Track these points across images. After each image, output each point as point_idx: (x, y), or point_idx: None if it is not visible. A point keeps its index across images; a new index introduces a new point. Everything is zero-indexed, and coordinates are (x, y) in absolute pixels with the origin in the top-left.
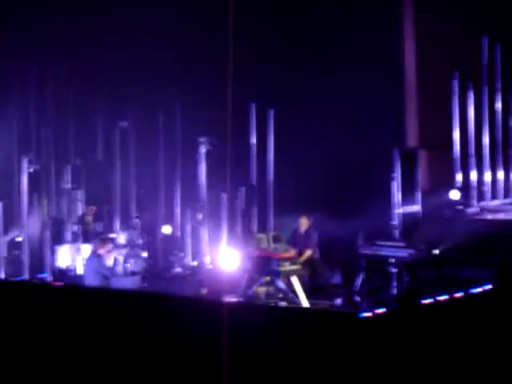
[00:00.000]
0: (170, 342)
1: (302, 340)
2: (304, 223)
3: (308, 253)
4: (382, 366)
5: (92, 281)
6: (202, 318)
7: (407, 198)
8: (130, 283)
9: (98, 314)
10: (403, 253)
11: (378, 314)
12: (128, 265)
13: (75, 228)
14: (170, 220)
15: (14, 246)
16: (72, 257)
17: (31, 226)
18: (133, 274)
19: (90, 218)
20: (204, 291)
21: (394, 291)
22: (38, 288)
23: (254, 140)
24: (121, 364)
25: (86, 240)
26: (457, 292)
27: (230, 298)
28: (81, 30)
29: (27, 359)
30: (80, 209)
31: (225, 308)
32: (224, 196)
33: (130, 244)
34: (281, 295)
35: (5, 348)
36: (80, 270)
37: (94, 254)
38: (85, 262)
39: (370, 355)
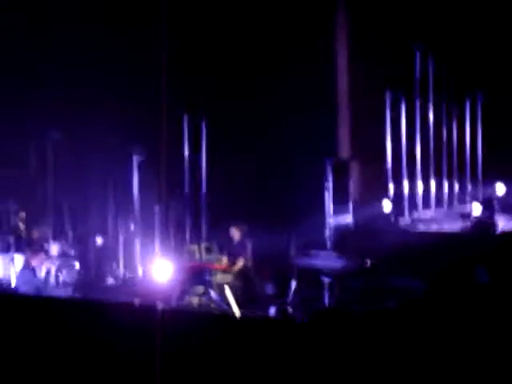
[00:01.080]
0: (104, 346)
1: (232, 345)
2: (236, 234)
3: (240, 263)
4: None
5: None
6: (136, 323)
7: (339, 208)
8: (63, 294)
9: (32, 321)
10: (336, 263)
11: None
12: (60, 276)
13: (8, 238)
14: (102, 231)
15: None
16: (5, 267)
17: None
18: (65, 284)
19: (22, 226)
20: (137, 302)
21: (326, 301)
22: None
23: (186, 151)
24: (55, 370)
25: (19, 249)
26: (389, 302)
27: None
28: (8, 40)
29: None
30: (12, 219)
31: (158, 313)
32: (157, 207)
33: (62, 255)
34: (214, 305)
35: None
36: (13, 281)
37: (27, 266)
38: (17, 273)
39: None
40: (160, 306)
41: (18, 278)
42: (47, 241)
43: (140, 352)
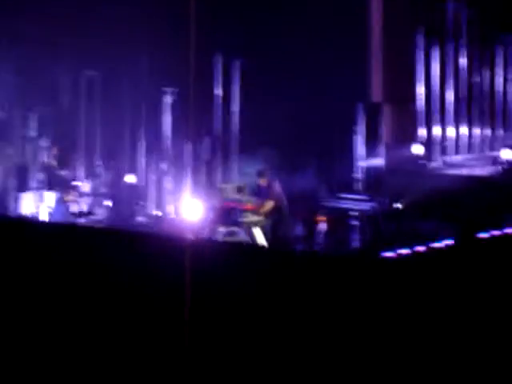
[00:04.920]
0: (133, 275)
1: (262, 277)
2: (261, 181)
3: (269, 203)
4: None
5: None
6: (166, 254)
7: (371, 151)
8: None
9: (64, 249)
10: (366, 205)
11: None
12: (92, 213)
13: (39, 175)
14: (134, 169)
15: None
16: (36, 204)
17: None
18: (97, 222)
19: (54, 163)
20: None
21: (356, 244)
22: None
23: (218, 91)
24: (85, 301)
25: (51, 187)
26: (419, 246)
27: None
28: None
29: None
30: (44, 156)
31: (188, 243)
32: (188, 146)
33: (94, 192)
34: None
35: None
36: (44, 217)
37: (60, 201)
38: (50, 209)
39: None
40: (190, 238)
41: (51, 213)
42: (80, 178)
43: (169, 282)
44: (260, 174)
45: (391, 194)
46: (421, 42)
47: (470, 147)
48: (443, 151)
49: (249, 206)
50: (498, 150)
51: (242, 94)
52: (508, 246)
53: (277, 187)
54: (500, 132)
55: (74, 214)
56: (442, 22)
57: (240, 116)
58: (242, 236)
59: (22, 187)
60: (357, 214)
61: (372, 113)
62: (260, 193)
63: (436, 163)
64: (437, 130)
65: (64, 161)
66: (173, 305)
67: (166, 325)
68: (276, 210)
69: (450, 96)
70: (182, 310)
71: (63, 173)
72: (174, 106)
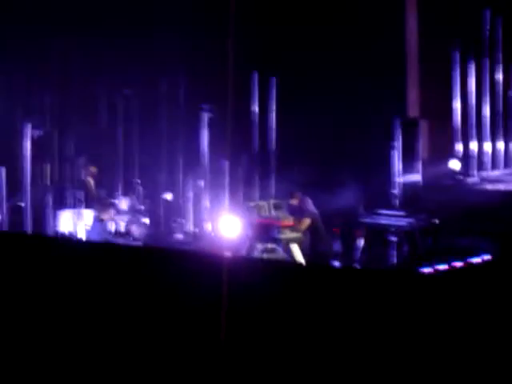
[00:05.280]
0: (171, 293)
1: (299, 293)
2: (293, 201)
3: (307, 221)
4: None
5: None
6: (204, 271)
7: (408, 167)
8: None
9: (101, 267)
10: (403, 222)
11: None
12: (130, 231)
13: (77, 193)
14: (171, 186)
15: (16, 211)
16: (74, 222)
17: (34, 191)
18: (134, 239)
19: (91, 182)
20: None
21: (394, 260)
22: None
23: (255, 108)
24: (122, 317)
25: (88, 205)
26: (456, 261)
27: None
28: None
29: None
30: (82, 175)
31: (226, 261)
32: (226, 163)
33: (132, 210)
34: None
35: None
36: (82, 235)
37: (97, 220)
38: (87, 227)
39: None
40: (228, 255)
41: (89, 231)
42: (117, 196)
43: (207, 299)
44: (290, 195)
45: (428, 210)
46: (457, 56)
47: (507, 162)
48: (480, 166)
49: (286, 222)
50: None
51: (279, 110)
52: None
53: (309, 205)
54: None
55: (111, 233)
56: (478, 36)
57: (277, 133)
58: (280, 253)
59: (60, 205)
60: (394, 229)
61: (409, 128)
62: (292, 211)
63: (473, 178)
64: (473, 145)
65: (101, 179)
66: (210, 323)
67: (203, 343)
68: (312, 226)
69: (486, 111)
70: (220, 328)
71: (101, 191)
72: (211, 123)
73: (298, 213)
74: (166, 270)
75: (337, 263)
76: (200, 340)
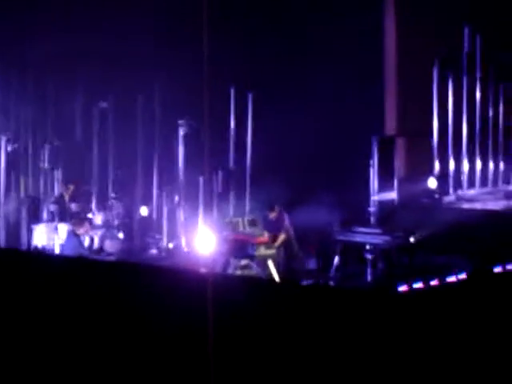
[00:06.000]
0: (145, 310)
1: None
2: (271, 215)
3: (282, 236)
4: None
5: None
6: (186, 288)
7: (384, 185)
8: None
9: (75, 282)
10: (379, 239)
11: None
12: (104, 245)
13: (52, 207)
14: (146, 202)
15: None
16: (48, 236)
17: (8, 204)
18: (108, 254)
19: (67, 197)
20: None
21: (370, 278)
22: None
23: (232, 123)
24: (99, 335)
25: (63, 219)
26: (432, 280)
27: None
28: (61, 10)
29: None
30: (57, 188)
31: (207, 278)
32: (201, 179)
33: (106, 225)
34: None
35: None
36: (57, 249)
37: (72, 234)
38: (62, 241)
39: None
40: (203, 271)
41: (63, 245)
42: (92, 210)
43: (180, 316)
44: (270, 208)
45: (405, 228)
46: (435, 74)
47: (484, 181)
48: (457, 185)
49: (261, 239)
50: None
51: (256, 126)
52: None
53: (285, 218)
54: None
55: (85, 248)
56: (458, 53)
57: (253, 148)
58: (254, 269)
59: (35, 219)
60: (370, 247)
61: (386, 146)
62: (268, 225)
63: (450, 197)
64: (451, 164)
65: (76, 193)
66: (183, 340)
67: (176, 361)
68: (286, 241)
69: (463, 129)
70: (194, 345)
71: (75, 205)
72: (187, 138)
73: (274, 227)
74: (139, 285)
75: (310, 281)
76: (181, 356)
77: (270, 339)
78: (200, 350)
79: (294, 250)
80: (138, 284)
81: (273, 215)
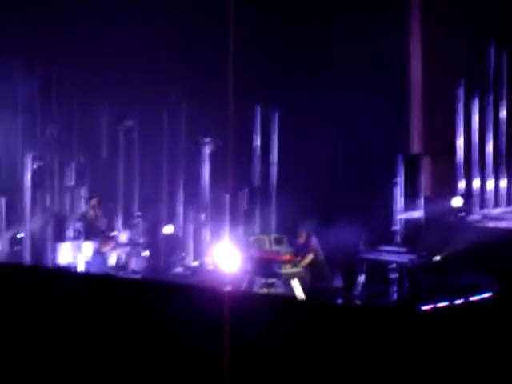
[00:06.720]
0: (171, 328)
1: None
2: (300, 238)
3: (309, 257)
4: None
5: None
6: (203, 306)
7: (410, 203)
8: None
9: (101, 300)
10: (404, 258)
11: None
12: (129, 263)
13: (77, 225)
14: (172, 220)
15: (15, 241)
16: (73, 254)
17: (34, 222)
18: (134, 272)
19: (92, 214)
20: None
21: (395, 296)
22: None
23: (257, 141)
24: (122, 351)
25: (88, 237)
26: (457, 299)
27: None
28: (87, 29)
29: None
30: (83, 206)
31: (227, 296)
32: (227, 197)
33: (132, 243)
34: None
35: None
36: (81, 268)
37: (98, 252)
38: (88, 259)
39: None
40: (228, 289)
41: (89, 263)
42: (117, 228)
43: (207, 334)
44: (295, 233)
45: (430, 247)
46: (461, 93)
47: (509, 200)
48: (482, 204)
49: (287, 257)
50: None
51: (281, 145)
52: None
53: (313, 241)
54: None
55: (111, 266)
56: (483, 73)
57: (279, 167)
58: (280, 288)
59: (60, 237)
60: (395, 266)
61: (411, 165)
62: (297, 248)
63: (475, 216)
64: (476, 183)
65: (102, 211)
66: (210, 358)
67: (204, 379)
68: (314, 263)
69: (489, 148)
70: (221, 363)
71: (101, 223)
72: (212, 156)
73: (302, 250)
74: (165, 303)
75: (338, 300)
76: (201, 376)
77: (287, 356)
78: (216, 367)
79: (321, 270)
80: (155, 302)
81: (301, 240)
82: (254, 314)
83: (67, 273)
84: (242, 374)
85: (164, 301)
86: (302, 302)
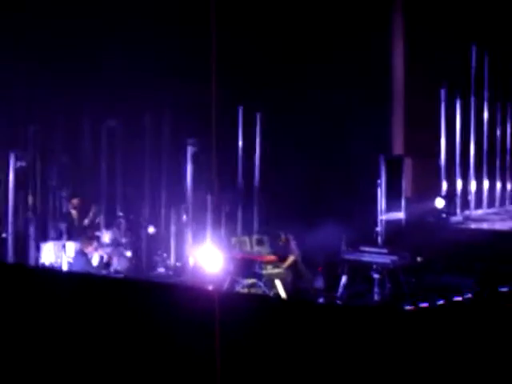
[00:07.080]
0: (152, 328)
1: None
2: (281, 242)
3: (291, 258)
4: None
5: None
6: (193, 306)
7: (392, 204)
8: None
9: (83, 299)
10: (386, 259)
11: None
12: (112, 263)
13: (60, 225)
14: (154, 220)
15: None
16: (56, 254)
17: (16, 222)
18: (116, 272)
19: (74, 213)
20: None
21: (376, 297)
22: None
23: (240, 143)
24: (109, 351)
25: (71, 237)
26: (439, 300)
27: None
28: (71, 29)
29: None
30: (65, 206)
31: (215, 295)
32: (209, 198)
33: (115, 243)
34: None
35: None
36: (64, 267)
37: (80, 253)
38: (70, 259)
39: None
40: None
41: (72, 263)
42: (99, 228)
43: (188, 334)
44: (276, 237)
45: (412, 248)
46: (443, 94)
47: (491, 201)
48: (464, 205)
49: (268, 258)
50: None
51: (264, 146)
52: None
53: (293, 246)
54: None
55: (93, 266)
56: (465, 74)
57: (261, 168)
58: (262, 288)
59: (43, 237)
60: (377, 267)
61: (393, 166)
62: (278, 250)
63: (457, 217)
64: (458, 184)
65: (84, 211)
66: (201, 356)
67: (183, 379)
68: (294, 264)
69: (471, 149)
70: (213, 361)
71: (83, 223)
72: (195, 157)
73: (282, 252)
74: (147, 303)
75: (319, 300)
76: (188, 374)
77: (277, 356)
78: (207, 367)
79: (300, 272)
80: (145, 301)
81: (281, 243)
82: (241, 313)
83: (50, 272)
84: (233, 373)
85: (151, 300)
86: (285, 301)
